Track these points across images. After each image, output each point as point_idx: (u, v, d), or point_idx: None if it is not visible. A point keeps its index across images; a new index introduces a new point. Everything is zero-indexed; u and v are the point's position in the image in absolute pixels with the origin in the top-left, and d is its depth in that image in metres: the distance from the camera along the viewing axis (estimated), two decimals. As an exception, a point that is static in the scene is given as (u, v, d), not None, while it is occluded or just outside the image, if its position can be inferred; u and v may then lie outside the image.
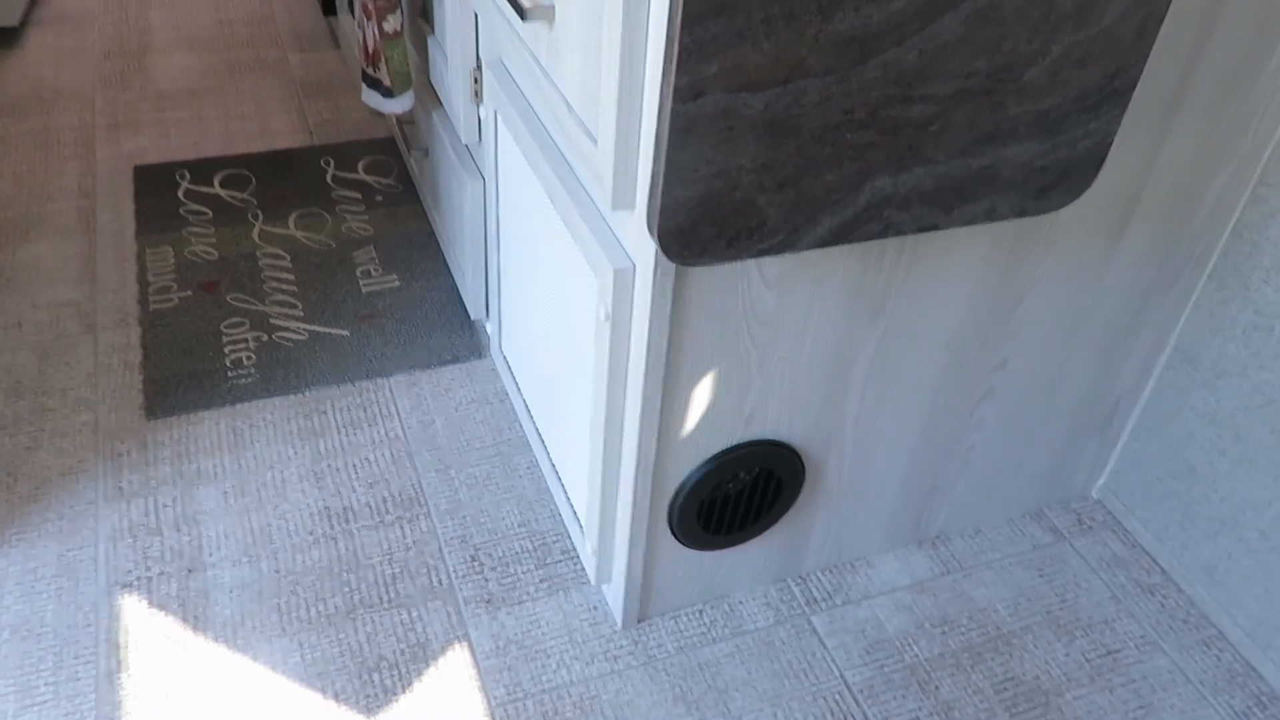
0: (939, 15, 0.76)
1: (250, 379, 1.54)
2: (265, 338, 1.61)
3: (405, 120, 1.88)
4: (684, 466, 1.09)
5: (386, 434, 1.47)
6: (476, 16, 1.30)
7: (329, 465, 1.42)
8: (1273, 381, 1.17)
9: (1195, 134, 1.08)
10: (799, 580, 1.31)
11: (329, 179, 1.99)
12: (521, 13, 0.95)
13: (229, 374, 1.54)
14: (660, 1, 0.75)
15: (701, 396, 1.03)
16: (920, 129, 0.82)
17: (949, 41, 0.78)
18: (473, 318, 1.64)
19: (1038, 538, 1.39)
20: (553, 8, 0.95)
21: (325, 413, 1.50)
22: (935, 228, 0.89)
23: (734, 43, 0.72)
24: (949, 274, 1.07)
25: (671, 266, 0.91)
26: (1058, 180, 0.91)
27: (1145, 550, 1.38)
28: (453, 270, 1.73)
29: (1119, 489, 1.42)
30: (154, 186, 1.93)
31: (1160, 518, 1.36)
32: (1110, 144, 0.90)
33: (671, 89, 0.73)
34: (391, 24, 1.43)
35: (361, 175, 2.01)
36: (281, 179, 1.98)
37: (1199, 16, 0.97)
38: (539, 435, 1.38)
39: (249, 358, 1.57)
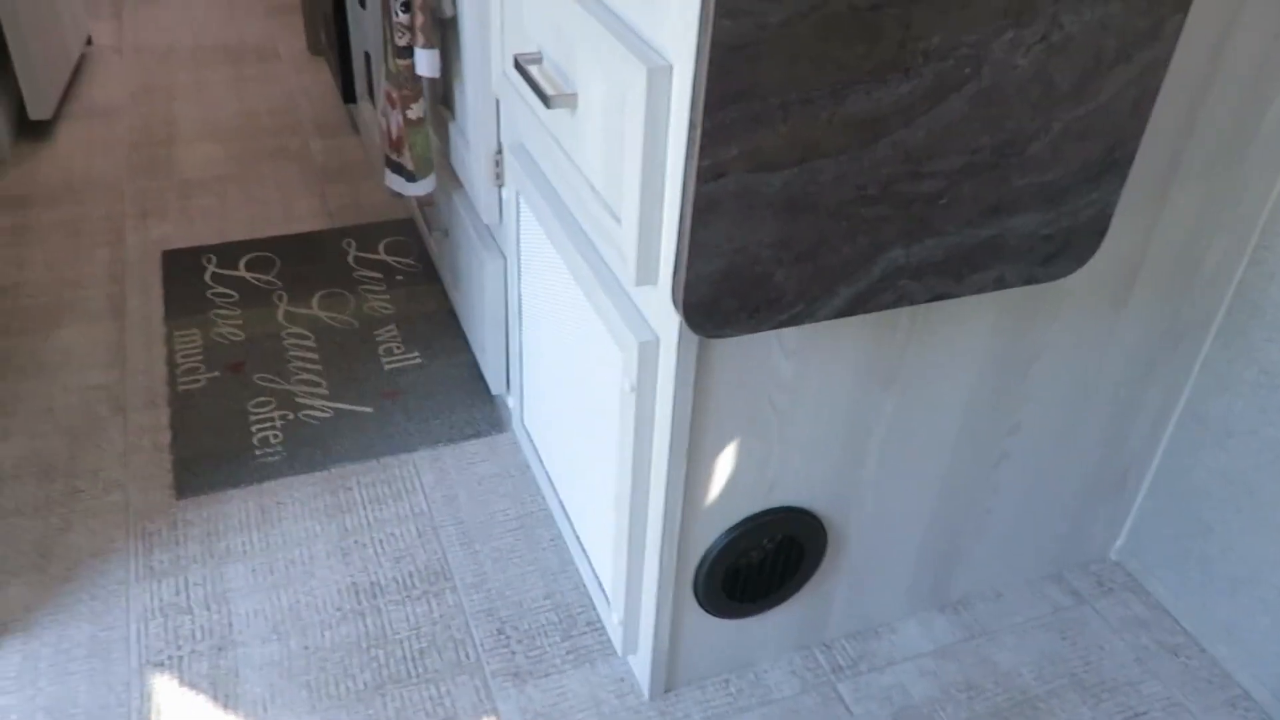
0: (945, 97, 0.80)
1: (277, 457, 1.57)
2: (291, 416, 1.65)
3: (425, 201, 1.94)
4: (708, 535, 1.11)
5: (411, 509, 1.50)
6: (498, 103, 1.36)
7: (355, 541, 1.44)
8: (1283, 439, 1.19)
9: (1193, 200, 1.12)
10: (823, 647, 1.32)
11: (350, 260, 2.04)
12: (546, 100, 1.00)
13: (256, 453, 1.57)
14: (682, 89, 0.80)
15: (725, 465, 1.06)
16: (930, 202, 0.86)
17: (955, 120, 0.82)
18: (494, 393, 1.68)
19: (1058, 600, 1.40)
20: (575, 95, 1.00)
21: (351, 489, 1.53)
22: (947, 296, 0.93)
23: (752, 127, 0.76)
24: (960, 341, 1.10)
25: (695, 338, 0.94)
26: (1063, 248, 0.94)
27: (1166, 610, 1.39)
28: (473, 346, 1.77)
29: (1137, 549, 1.43)
30: (181, 271, 1.99)
31: (1179, 578, 1.36)
32: (1112, 213, 0.94)
33: (694, 171, 0.77)
34: (415, 111, 1.49)
35: (382, 255, 2.06)
36: (305, 261, 2.04)
37: (1191, 89, 1.02)
38: (562, 507, 1.40)
39: (275, 436, 1.61)
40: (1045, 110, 0.84)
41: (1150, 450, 1.36)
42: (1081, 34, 0.81)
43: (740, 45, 0.72)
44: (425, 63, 1.40)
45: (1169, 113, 1.03)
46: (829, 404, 1.07)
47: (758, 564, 1.17)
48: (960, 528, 1.30)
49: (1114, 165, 0.91)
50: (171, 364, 1.75)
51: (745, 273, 0.83)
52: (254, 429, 1.62)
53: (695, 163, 0.77)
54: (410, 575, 1.40)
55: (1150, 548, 1.41)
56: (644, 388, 1.00)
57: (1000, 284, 0.94)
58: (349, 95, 2.47)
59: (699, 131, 0.75)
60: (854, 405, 1.09)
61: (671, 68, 0.81)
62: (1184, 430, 1.32)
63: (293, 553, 1.42)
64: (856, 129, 0.79)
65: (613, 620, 1.25)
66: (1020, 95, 0.83)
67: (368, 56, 2.11)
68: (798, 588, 1.23)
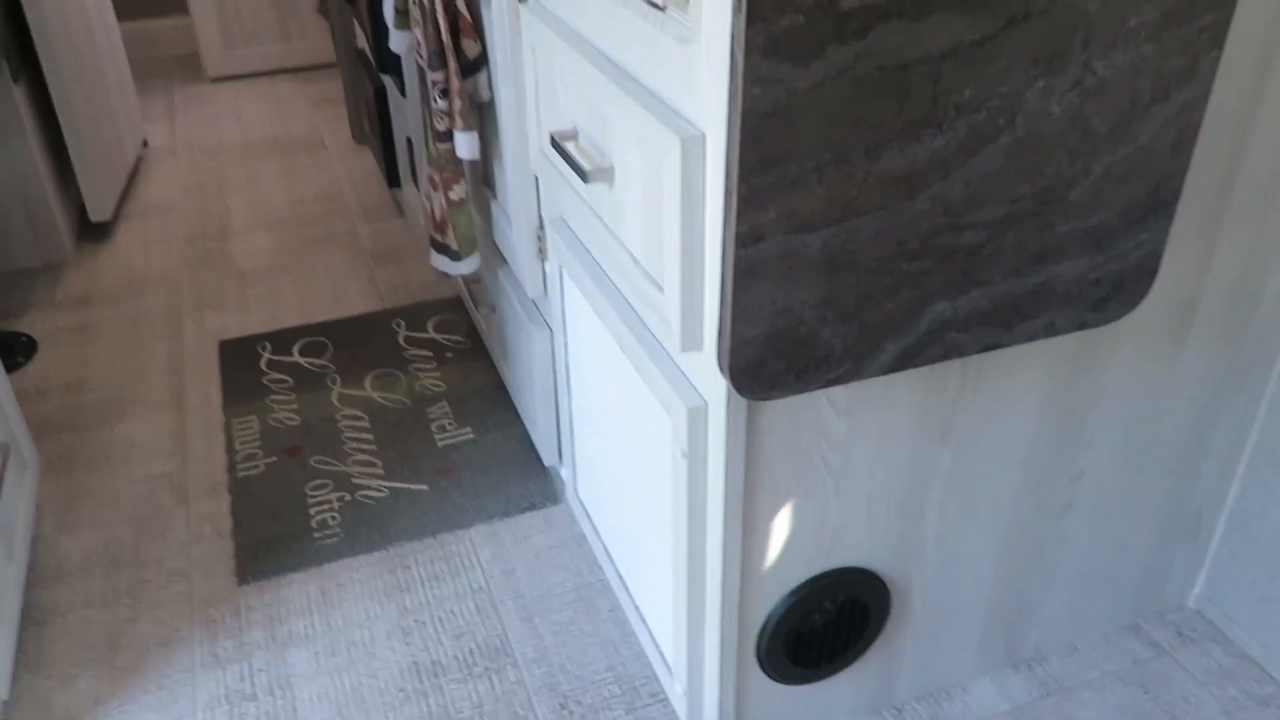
0: (981, 148, 0.80)
1: (336, 539, 1.58)
2: (348, 497, 1.66)
3: (472, 279, 1.97)
4: (769, 599, 1.10)
5: (469, 585, 1.50)
6: (537, 180, 1.38)
7: (415, 620, 1.44)
8: (1362, 475, 1.15)
9: (1246, 235, 1.10)
10: (894, 710, 1.28)
11: (401, 340, 2.08)
12: (583, 175, 1.02)
13: (315, 535, 1.59)
14: (716, 157, 0.81)
15: (781, 527, 1.04)
16: (973, 253, 0.85)
17: (992, 171, 0.82)
18: (546, 465, 1.68)
19: (1137, 653, 1.35)
20: (612, 169, 1.02)
21: (409, 568, 1.53)
22: (997, 346, 0.92)
23: (788, 189, 0.76)
24: (1015, 390, 1.08)
25: (743, 402, 0.94)
26: (1114, 291, 0.93)
27: (1253, 659, 1.33)
28: (524, 419, 1.78)
29: (1216, 596, 1.38)
30: (238, 359, 2.03)
31: (1264, 623, 1.31)
32: (1162, 253, 0.92)
33: (733, 236, 0.77)
34: (457, 192, 1.52)
35: (432, 334, 2.09)
36: (356, 343, 2.07)
37: (1234, 123, 1.01)
38: (620, 577, 1.39)
39: (334, 518, 1.62)
40: (1084, 155, 0.84)
41: (1222, 492, 1.32)
42: (1115, 78, 0.81)
43: (771, 111, 0.73)
44: (465, 146, 1.43)
45: (1214, 148, 1.01)
46: (884, 461, 1.06)
47: (821, 627, 1.14)
48: (1029, 580, 1.26)
49: (1159, 205, 0.90)
50: (231, 451, 1.78)
51: (790, 334, 0.83)
52: (312, 511, 1.63)
53: (734, 228, 0.77)
54: (471, 652, 1.39)
55: (1230, 593, 1.36)
56: (695, 453, 1.00)
57: (1051, 331, 0.93)
58: (393, 180, 2.53)
59: (735, 198, 0.76)
60: (910, 461, 1.07)
61: (704, 136, 0.82)
62: (1256, 470, 1.28)
63: (354, 634, 1.42)
64: (893, 185, 0.79)
65: (676, 690, 1.23)
66: (1057, 142, 0.82)
67: (409, 142, 2.17)
68: (864, 650, 1.20)
